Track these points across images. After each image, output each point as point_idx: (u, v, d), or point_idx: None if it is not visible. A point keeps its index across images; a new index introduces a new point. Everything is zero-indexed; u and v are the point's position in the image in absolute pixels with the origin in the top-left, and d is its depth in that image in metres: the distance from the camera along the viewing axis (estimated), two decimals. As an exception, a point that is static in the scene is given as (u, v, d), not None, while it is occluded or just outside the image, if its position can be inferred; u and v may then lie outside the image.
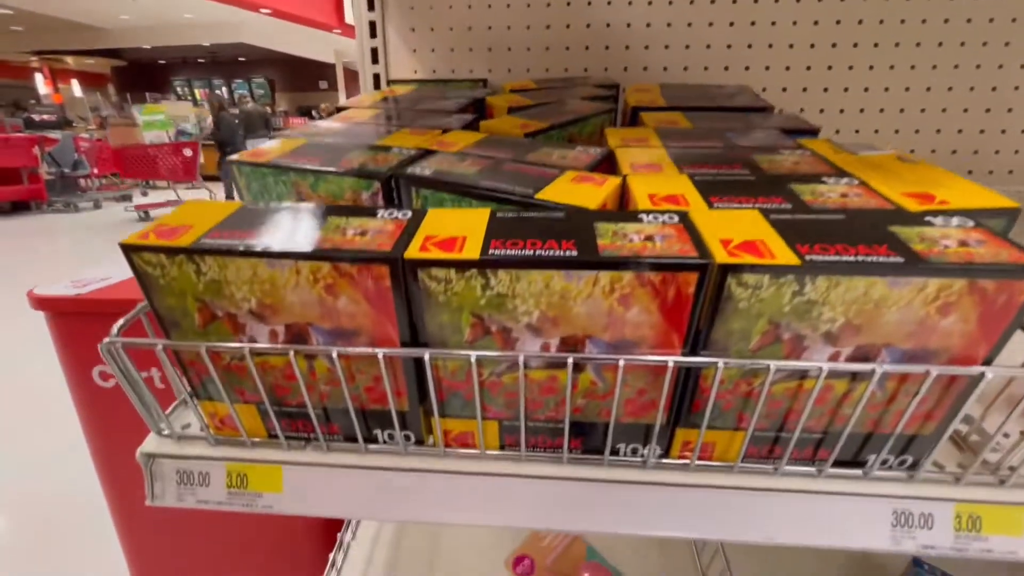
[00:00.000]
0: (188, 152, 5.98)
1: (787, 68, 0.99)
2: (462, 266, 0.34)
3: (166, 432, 0.47)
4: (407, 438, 0.45)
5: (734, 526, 0.42)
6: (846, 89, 0.99)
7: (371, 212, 0.40)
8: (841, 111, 1.00)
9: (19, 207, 6.38)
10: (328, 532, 0.86)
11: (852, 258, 0.32)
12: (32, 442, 2.07)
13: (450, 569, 0.88)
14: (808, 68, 0.99)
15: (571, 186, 0.44)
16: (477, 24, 1.01)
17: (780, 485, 0.42)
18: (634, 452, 0.43)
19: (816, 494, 0.42)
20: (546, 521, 0.44)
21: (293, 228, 0.37)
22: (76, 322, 1.00)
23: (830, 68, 0.98)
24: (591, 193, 0.43)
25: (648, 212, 0.38)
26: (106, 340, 0.40)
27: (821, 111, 1.00)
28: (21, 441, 2.09)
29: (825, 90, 0.99)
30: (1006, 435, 0.45)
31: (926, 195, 0.41)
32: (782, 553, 0.89)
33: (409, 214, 0.40)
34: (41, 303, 0.98)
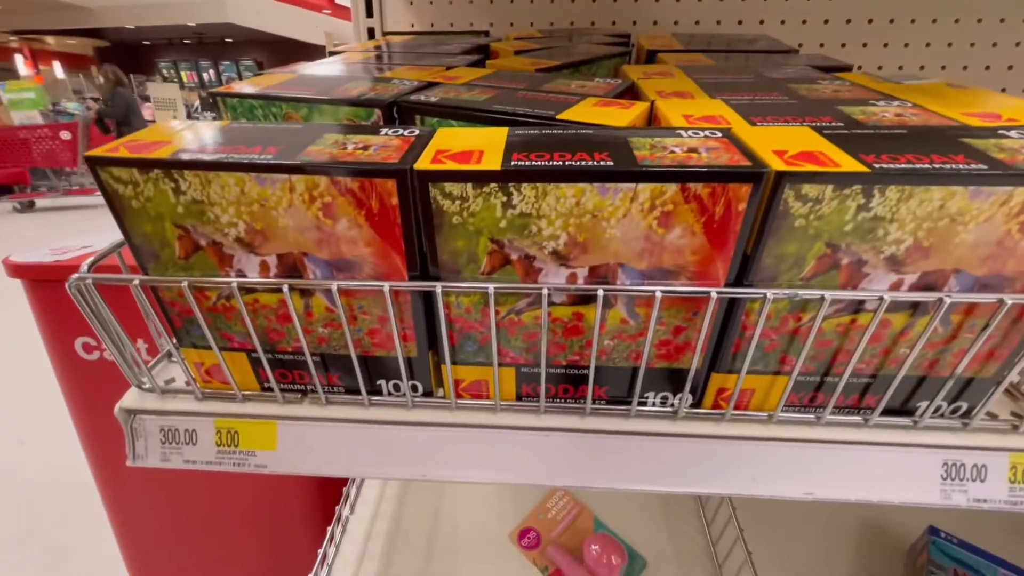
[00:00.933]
0: (66, 135, 5.14)
1: (804, 22, 0.94)
2: (481, 179, 0.29)
3: (147, 386, 0.42)
4: (414, 389, 0.40)
5: (771, 480, 0.39)
6: (865, 44, 0.94)
7: (373, 130, 0.35)
8: (859, 68, 0.95)
9: (2, 191, 6.21)
10: (325, 505, 0.82)
11: (927, 166, 0.28)
12: (14, 419, 2.02)
13: (453, 544, 0.84)
14: (826, 22, 0.94)
15: (595, 110, 0.40)
16: (478, -27, 0.95)
17: (822, 436, 0.38)
18: (664, 401, 0.39)
19: (861, 445, 0.38)
20: (566, 479, 0.40)
21: (286, 143, 0.33)
22: (55, 291, 0.95)
23: (849, 22, 0.94)
24: (618, 115, 0.39)
25: (687, 128, 0.34)
26: (74, 276, 0.35)
27: (838, 68, 0.96)
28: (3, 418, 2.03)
29: (843, 45, 0.94)
30: (1063, 383, 0.41)
31: (991, 114, 0.37)
32: (796, 522, 0.86)
33: (416, 131, 0.35)
34: (17, 270, 0.93)
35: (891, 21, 0.92)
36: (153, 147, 0.32)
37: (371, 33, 0.99)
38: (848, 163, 0.29)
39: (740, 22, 0.95)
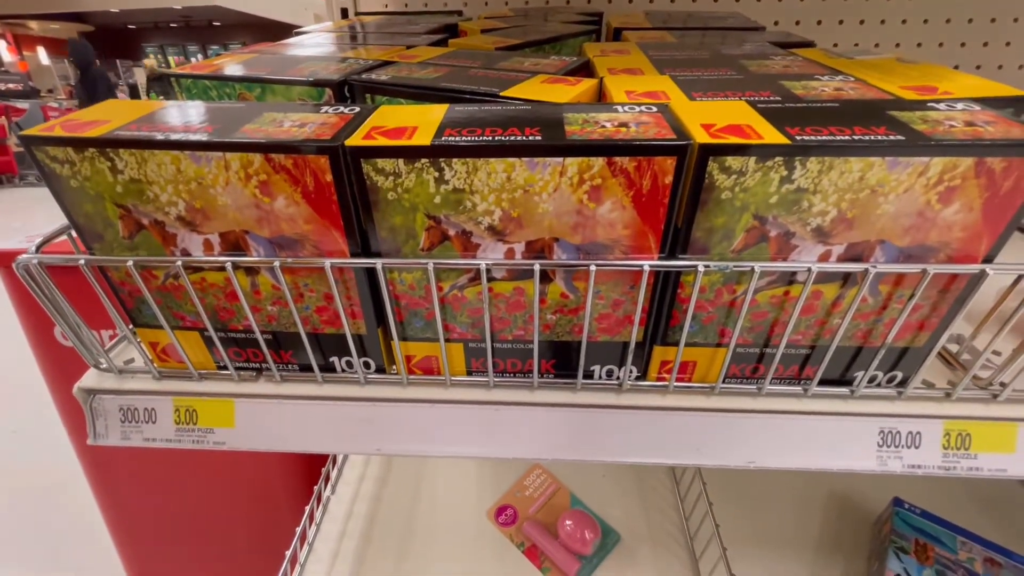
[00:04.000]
0: None
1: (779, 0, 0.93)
2: (411, 154, 0.30)
3: (104, 366, 0.43)
4: (366, 366, 0.41)
5: (715, 450, 0.40)
6: (841, 22, 0.94)
7: (314, 109, 0.36)
8: (835, 45, 0.95)
9: (-10, 180, 6.12)
10: (309, 486, 0.84)
11: (847, 138, 0.28)
12: (5, 408, 2.03)
13: (432, 522, 0.86)
14: (802, 0, 0.93)
15: (541, 87, 0.40)
16: (450, -49, 0.93)
17: (763, 406, 0.39)
18: (609, 375, 0.40)
19: (801, 415, 0.39)
20: (517, 451, 0.41)
21: (223, 122, 0.33)
22: (32, 277, 0.95)
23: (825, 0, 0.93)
24: (562, 91, 0.39)
25: (624, 104, 0.34)
26: (21, 257, 0.36)
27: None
28: (-3, 412, 2.04)
29: (819, 23, 0.94)
30: (997, 352, 0.42)
31: (928, 87, 0.37)
32: (766, 496, 0.88)
33: (357, 109, 0.35)
34: (-9, 257, 0.93)
35: (882, 22, 0.92)
36: (89, 126, 0.32)
37: (344, 13, 0.97)
38: (772, 135, 0.29)
39: None
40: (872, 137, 0.28)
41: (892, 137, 0.28)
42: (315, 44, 0.60)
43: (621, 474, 0.94)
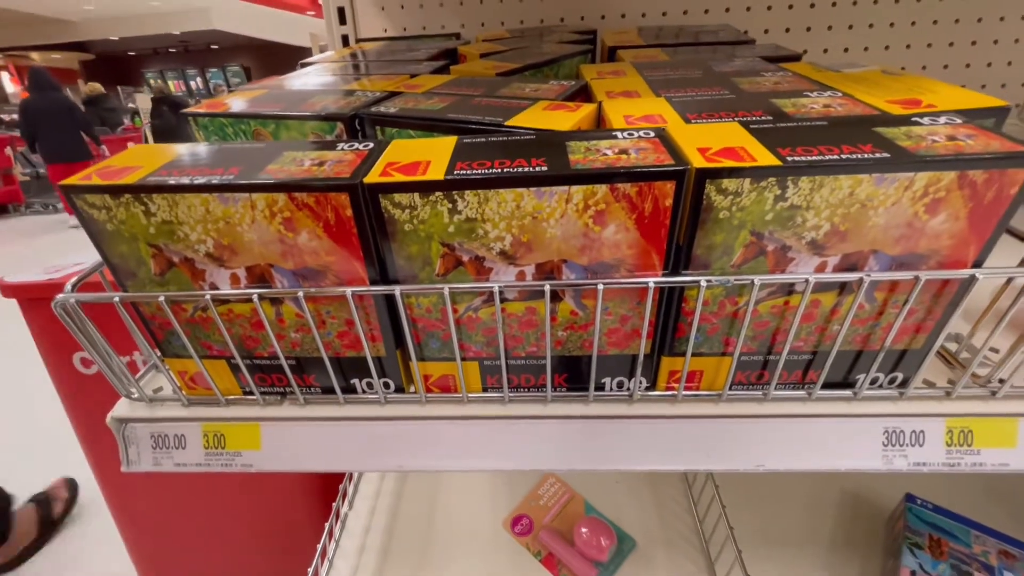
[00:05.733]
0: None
1: (768, 8, 0.96)
2: (426, 188, 0.32)
3: (136, 395, 0.45)
4: (386, 386, 0.43)
5: (724, 455, 0.42)
6: (830, 27, 0.96)
7: (330, 145, 0.38)
8: (825, 51, 0.97)
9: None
10: (325, 503, 0.85)
11: (836, 157, 0.30)
12: (23, 433, 2.05)
13: (449, 533, 0.88)
14: (790, 7, 0.95)
15: (543, 114, 0.42)
16: (446, -24, 0.96)
17: (769, 411, 0.41)
18: (620, 386, 0.42)
19: (806, 418, 0.41)
20: (533, 463, 0.43)
21: (247, 163, 0.35)
22: (49, 309, 0.97)
23: (813, 6, 0.95)
24: (564, 118, 0.41)
25: (623, 130, 0.36)
26: (59, 297, 0.38)
27: (804, 52, 0.98)
28: (11, 438, 2.07)
29: (808, 29, 0.96)
30: (995, 350, 0.44)
31: (912, 100, 0.39)
32: (779, 497, 0.89)
33: (371, 145, 0.37)
34: (10, 291, 0.95)
35: (854, 3, 0.94)
36: (123, 173, 0.34)
37: (345, 40, 1.00)
38: (764, 157, 0.31)
39: (707, 11, 0.97)
40: (859, 155, 0.30)
41: (878, 155, 0.30)
42: (321, 76, 0.63)
43: (634, 481, 0.95)
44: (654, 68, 0.55)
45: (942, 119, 0.34)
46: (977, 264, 0.34)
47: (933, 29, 0.94)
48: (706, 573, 0.79)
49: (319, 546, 0.75)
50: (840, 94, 0.42)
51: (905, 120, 0.35)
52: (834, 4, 0.94)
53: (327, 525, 0.79)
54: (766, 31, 0.97)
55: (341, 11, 1.00)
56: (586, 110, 0.42)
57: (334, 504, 0.83)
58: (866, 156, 0.30)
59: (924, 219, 0.32)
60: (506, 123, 0.40)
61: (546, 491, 0.94)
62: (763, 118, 0.38)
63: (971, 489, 0.88)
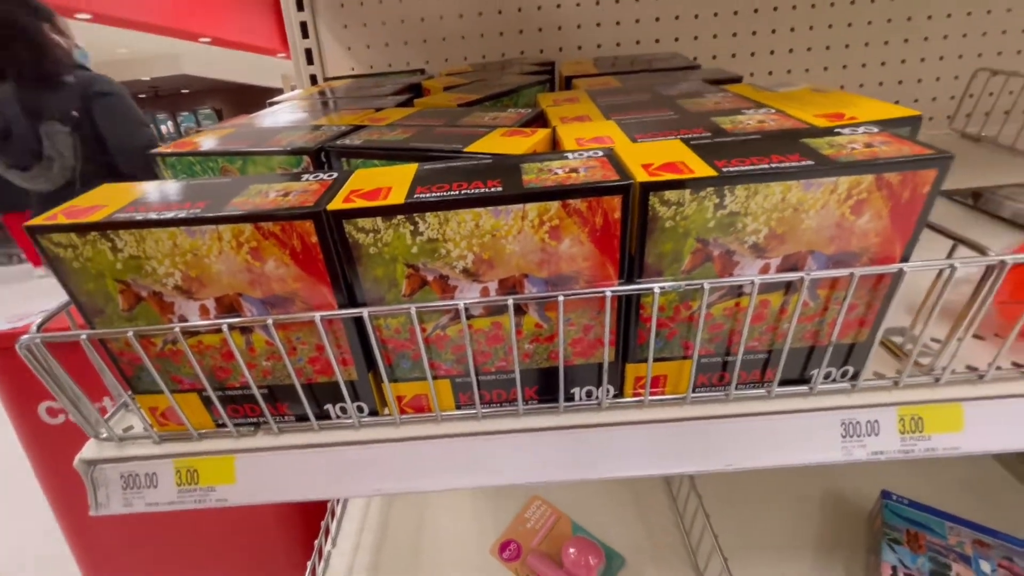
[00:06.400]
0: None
1: (715, 36, 1.02)
2: (388, 212, 0.33)
3: (105, 435, 0.44)
4: (360, 410, 0.43)
5: (693, 457, 0.43)
6: (772, 52, 1.03)
7: (296, 177, 0.39)
8: (770, 73, 1.04)
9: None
10: (306, 538, 0.83)
11: (766, 166, 0.33)
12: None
13: (436, 560, 0.86)
14: (734, 35, 1.02)
15: (501, 139, 0.44)
16: (409, 16, 1.01)
17: (733, 411, 0.43)
18: (589, 395, 0.43)
19: (768, 415, 0.43)
20: (509, 477, 0.43)
21: (214, 197, 0.36)
22: (12, 358, 0.94)
23: (754, 33, 1.02)
24: (519, 143, 0.43)
25: (574, 151, 0.39)
26: (24, 338, 0.38)
27: (751, 75, 1.04)
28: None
29: (752, 54, 1.03)
30: (937, 340, 0.46)
31: (836, 114, 0.42)
32: (761, 501, 0.90)
33: (335, 175, 0.39)
34: (-27, 341, 0.93)
35: (792, 29, 1.01)
36: (89, 211, 0.35)
37: (313, 79, 1.03)
38: (702, 169, 0.33)
39: (657, 40, 1.03)
40: (787, 164, 0.33)
41: (803, 163, 0.33)
42: (289, 113, 0.65)
43: (620, 498, 0.96)
44: (606, 94, 0.58)
45: (861, 129, 0.38)
46: (904, 259, 0.36)
47: (865, 51, 1.02)
48: (696, 585, 0.79)
49: (301, 586, 0.72)
50: (773, 111, 0.45)
51: (829, 131, 0.38)
52: (773, 31, 1.01)
53: (310, 564, 0.77)
54: (714, 57, 1.03)
55: (308, 52, 1.03)
56: (541, 135, 0.45)
57: (316, 542, 0.81)
58: (793, 164, 0.33)
59: (852, 219, 0.34)
60: (465, 149, 0.42)
61: (532, 514, 0.93)
62: (703, 135, 0.41)
63: (944, 481, 0.90)
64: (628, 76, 0.68)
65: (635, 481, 0.98)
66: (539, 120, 0.53)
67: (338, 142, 0.48)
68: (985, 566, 0.71)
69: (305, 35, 1.02)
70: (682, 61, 0.78)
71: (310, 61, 1.03)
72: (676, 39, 1.02)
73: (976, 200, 0.75)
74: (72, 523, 1.05)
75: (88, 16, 5.53)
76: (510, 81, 0.72)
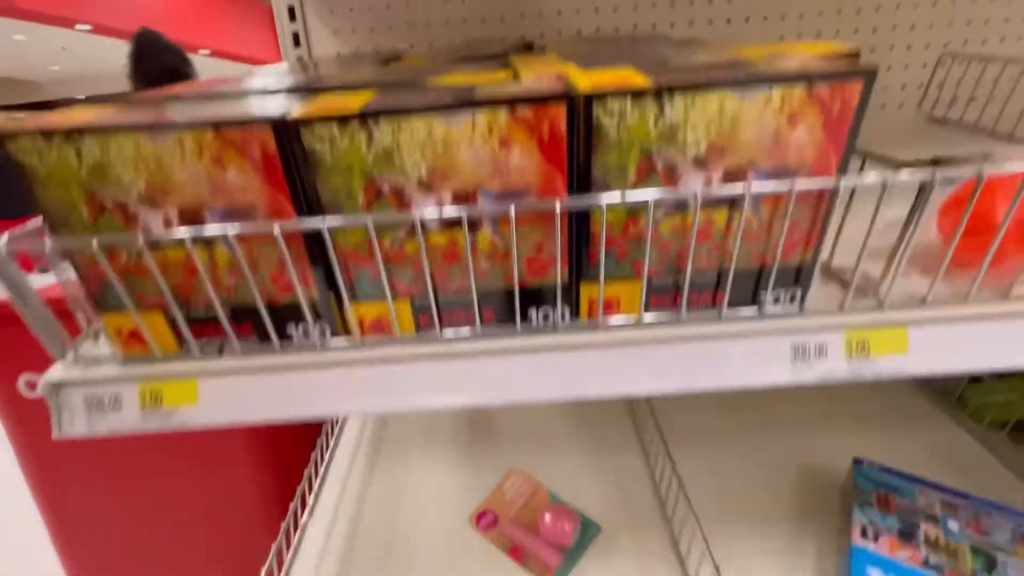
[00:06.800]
0: None
1: (691, 22, 1.05)
2: (343, 120, 0.35)
3: (71, 359, 0.45)
4: (322, 332, 0.44)
5: (648, 379, 0.44)
6: (747, 41, 1.06)
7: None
8: (743, 58, 1.07)
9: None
10: (281, 512, 0.82)
11: (703, 78, 0.35)
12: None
13: (414, 530, 0.86)
14: (710, 22, 1.06)
15: (464, 77, 0.46)
16: (394, 1, 1.04)
17: (684, 333, 0.44)
18: (546, 318, 0.44)
19: (720, 338, 0.44)
20: (469, 398, 0.44)
21: (180, 108, 0.38)
22: (-5, 328, 0.95)
23: (729, 21, 1.06)
24: (482, 79, 0.45)
25: (530, 79, 0.41)
26: (-8, 249, 0.39)
27: (726, 60, 1.07)
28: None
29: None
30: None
31: (780, 52, 0.45)
32: (735, 471, 0.91)
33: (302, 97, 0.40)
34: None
35: (765, 19, 1.05)
36: (59, 120, 0.36)
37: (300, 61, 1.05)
38: (643, 81, 0.35)
39: (635, 25, 1.06)
40: (722, 76, 0.35)
41: (738, 74, 0.35)
42: (267, 77, 0.67)
43: (597, 468, 0.96)
44: (573, 51, 0.61)
45: (799, 56, 0.40)
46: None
47: (836, 39, 1.05)
48: (670, 550, 0.79)
49: (273, 546, 0.72)
50: (725, 52, 0.47)
51: (768, 58, 0.40)
52: (747, 20, 1.05)
53: (283, 525, 0.77)
54: (690, 43, 1.06)
55: (296, 35, 1.05)
56: (503, 74, 0.47)
57: (291, 505, 0.81)
58: (728, 76, 0.35)
59: (788, 131, 0.36)
60: (428, 82, 0.44)
61: (511, 486, 0.94)
62: (654, 64, 0.43)
63: (917, 453, 0.91)
64: (600, 43, 0.71)
65: (615, 453, 0.98)
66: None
67: (308, 85, 0.49)
68: (953, 525, 0.71)
69: (292, 18, 1.04)
70: (664, 40, 0.81)
71: (297, 44, 1.06)
72: (654, 25, 1.05)
73: (935, 166, 0.77)
74: (49, 501, 1.04)
75: (88, 27, 5.61)
76: (490, 48, 0.74)
